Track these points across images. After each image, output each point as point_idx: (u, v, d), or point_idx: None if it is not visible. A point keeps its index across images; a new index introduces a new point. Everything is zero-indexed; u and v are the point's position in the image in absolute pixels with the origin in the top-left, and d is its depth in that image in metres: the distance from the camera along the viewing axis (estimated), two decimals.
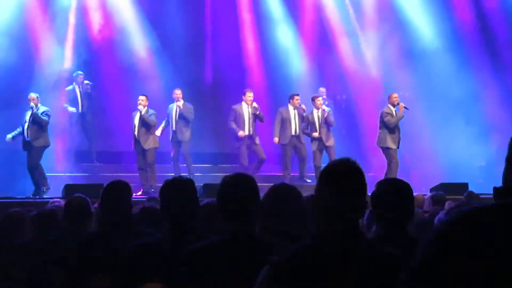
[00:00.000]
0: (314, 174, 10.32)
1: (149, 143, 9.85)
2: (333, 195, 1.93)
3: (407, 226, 2.78)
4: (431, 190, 8.60)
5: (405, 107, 9.91)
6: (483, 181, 10.45)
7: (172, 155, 10.49)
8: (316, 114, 10.50)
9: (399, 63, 12.25)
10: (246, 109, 10.27)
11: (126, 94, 11.39)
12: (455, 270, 0.95)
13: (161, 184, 2.95)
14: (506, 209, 1.00)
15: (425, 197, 6.51)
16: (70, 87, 10.96)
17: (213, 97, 12.54)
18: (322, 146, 10.44)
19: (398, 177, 7.14)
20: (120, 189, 3.39)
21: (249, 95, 10.32)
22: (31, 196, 9.01)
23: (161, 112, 10.41)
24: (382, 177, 8.41)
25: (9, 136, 9.49)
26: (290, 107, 10.53)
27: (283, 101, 11.03)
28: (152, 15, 12.07)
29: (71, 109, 10.65)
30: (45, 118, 9.24)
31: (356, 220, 1.98)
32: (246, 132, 10.22)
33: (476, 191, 7.15)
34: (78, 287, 3.27)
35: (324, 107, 10.53)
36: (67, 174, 10.66)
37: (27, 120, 9.23)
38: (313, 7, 12.99)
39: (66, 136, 10.94)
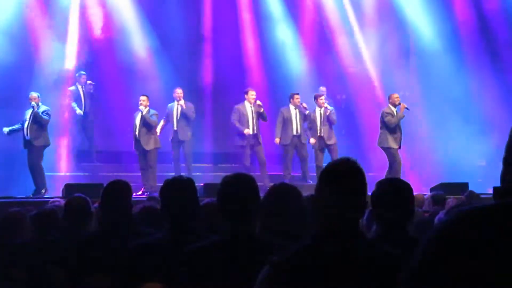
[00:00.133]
0: (315, 174, 10.31)
1: (150, 144, 9.85)
2: (333, 195, 1.93)
3: (407, 226, 2.78)
4: (431, 190, 8.60)
5: (406, 108, 9.91)
6: (483, 181, 10.46)
7: (173, 155, 10.49)
8: (318, 113, 10.51)
9: (399, 62, 12.25)
10: (249, 108, 10.26)
11: (126, 94, 11.40)
12: (455, 270, 0.95)
13: (161, 184, 2.95)
14: (506, 209, 1.00)
15: (425, 197, 6.52)
16: (73, 87, 10.95)
17: (213, 96, 12.54)
18: (323, 145, 10.44)
19: None
20: (120, 189, 3.39)
21: (252, 94, 10.31)
22: (31, 195, 9.01)
23: (161, 112, 10.41)
24: (383, 177, 8.41)
25: (7, 129, 9.46)
26: (291, 107, 10.54)
27: (283, 100, 11.04)
28: (152, 15, 12.07)
29: (79, 111, 10.65)
30: (45, 117, 9.25)
31: (356, 220, 1.99)
32: (251, 132, 10.20)
33: (476, 191, 7.15)
34: (78, 287, 3.27)
35: (327, 105, 10.53)
36: (67, 173, 10.67)
37: (28, 119, 9.24)
38: (313, 6, 12.98)
39: (67, 136, 10.94)
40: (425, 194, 6.87)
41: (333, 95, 12.63)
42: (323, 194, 1.96)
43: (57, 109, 10.46)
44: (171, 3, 12.16)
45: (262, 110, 10.22)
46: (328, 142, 10.40)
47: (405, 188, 2.81)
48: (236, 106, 10.35)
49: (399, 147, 9.90)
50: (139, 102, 9.92)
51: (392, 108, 9.91)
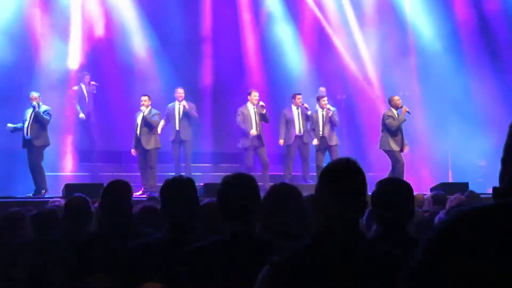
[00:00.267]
0: (315, 174, 10.30)
1: (150, 144, 9.86)
2: (333, 194, 1.93)
3: (407, 226, 2.78)
4: (431, 190, 8.60)
5: (407, 111, 9.85)
6: (483, 181, 10.47)
7: (173, 154, 10.49)
8: (321, 114, 10.51)
9: (399, 62, 12.24)
10: (252, 109, 10.25)
11: (126, 94, 11.40)
12: (454, 270, 0.95)
13: (161, 184, 2.95)
14: (506, 209, 1.00)
15: (425, 197, 6.52)
16: (76, 87, 10.94)
17: (212, 96, 12.53)
18: (325, 146, 10.44)
19: None
20: (120, 188, 3.39)
21: (255, 95, 10.31)
22: (31, 195, 9.01)
23: (161, 112, 10.40)
24: (383, 177, 8.40)
25: (11, 125, 9.45)
26: (293, 107, 10.55)
27: (283, 100, 11.03)
28: (152, 15, 12.07)
29: (82, 115, 10.64)
30: (47, 117, 9.25)
31: (356, 220, 1.99)
32: (255, 133, 10.18)
33: (476, 191, 7.15)
34: (78, 287, 3.27)
35: (329, 106, 10.52)
36: (68, 173, 10.67)
37: (28, 118, 9.23)
38: (313, 6, 12.98)
39: (68, 136, 10.94)
40: (425, 194, 6.86)
41: (333, 95, 12.63)
42: (323, 194, 1.96)
43: (58, 109, 10.46)
44: (171, 3, 12.15)
45: (264, 111, 10.21)
46: (330, 143, 10.40)
47: (405, 188, 2.81)
48: (239, 109, 10.32)
49: (401, 150, 9.84)
50: (141, 102, 9.92)
51: (394, 110, 9.86)
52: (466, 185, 8.85)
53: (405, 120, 9.88)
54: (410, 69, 12.50)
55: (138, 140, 9.92)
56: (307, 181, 10.30)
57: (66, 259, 3.43)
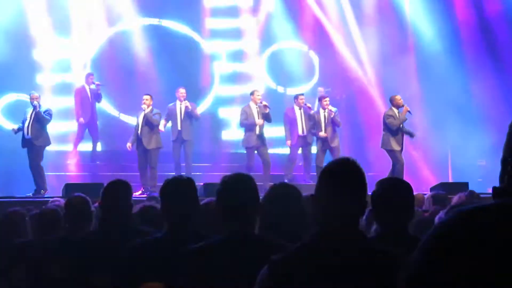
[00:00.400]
0: (315, 174, 10.29)
1: (151, 143, 9.83)
2: (333, 194, 1.93)
3: (407, 226, 2.78)
4: (431, 190, 8.60)
5: (408, 111, 9.84)
6: (483, 181, 10.46)
7: (173, 154, 10.48)
8: (322, 114, 10.48)
9: (399, 62, 12.24)
10: (254, 108, 10.22)
11: (126, 94, 11.40)
12: (454, 270, 0.95)
13: (161, 184, 2.95)
14: (506, 209, 1.00)
15: (425, 196, 6.51)
16: (80, 87, 10.93)
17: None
18: (326, 147, 10.42)
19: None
20: (120, 188, 3.39)
21: (258, 94, 10.29)
22: (31, 195, 9.01)
23: (161, 111, 10.40)
24: (383, 177, 8.40)
25: (15, 128, 9.45)
26: (296, 107, 10.54)
27: (282, 100, 11.02)
28: (153, 15, 12.07)
29: (81, 120, 10.64)
30: (47, 117, 9.26)
31: (356, 219, 1.98)
32: (257, 132, 10.14)
33: (476, 190, 7.14)
34: (78, 287, 3.27)
35: (330, 107, 10.49)
36: (68, 173, 10.67)
37: (28, 118, 9.23)
38: (312, 6, 12.98)
39: (68, 136, 10.94)
40: (425, 194, 6.86)
41: (333, 95, 12.63)
42: (323, 194, 1.96)
43: (59, 109, 10.46)
44: (171, 3, 12.15)
45: (267, 111, 10.13)
46: (332, 144, 10.38)
47: (405, 188, 2.81)
48: (242, 108, 10.32)
49: (402, 149, 9.85)
50: (142, 102, 9.90)
51: (395, 110, 9.85)
52: (466, 185, 8.84)
53: (406, 119, 9.87)
54: (410, 69, 12.50)
55: (139, 140, 9.89)
56: (307, 181, 10.28)
57: (66, 259, 3.43)
